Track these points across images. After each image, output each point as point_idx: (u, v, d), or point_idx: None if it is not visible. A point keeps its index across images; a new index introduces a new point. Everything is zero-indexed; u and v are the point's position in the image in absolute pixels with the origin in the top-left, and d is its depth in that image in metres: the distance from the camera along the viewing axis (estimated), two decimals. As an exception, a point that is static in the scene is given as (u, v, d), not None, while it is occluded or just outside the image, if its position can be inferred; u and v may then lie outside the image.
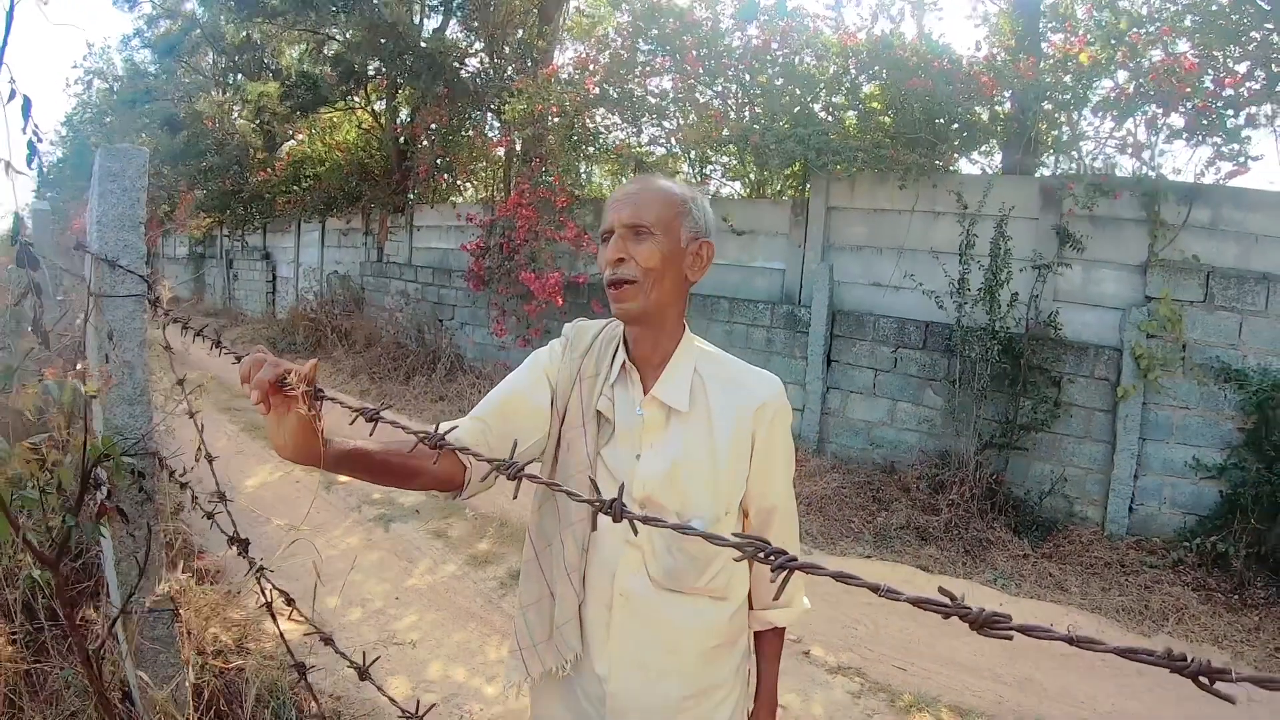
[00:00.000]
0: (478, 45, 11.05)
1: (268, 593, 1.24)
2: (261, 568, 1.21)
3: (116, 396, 1.57)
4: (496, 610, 3.92)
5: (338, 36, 11.68)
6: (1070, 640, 0.43)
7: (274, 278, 15.59)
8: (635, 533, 0.65)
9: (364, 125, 13.64)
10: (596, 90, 7.64)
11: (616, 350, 1.39)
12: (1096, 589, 4.54)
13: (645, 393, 1.35)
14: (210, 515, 1.35)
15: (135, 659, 1.66)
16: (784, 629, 1.51)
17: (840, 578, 0.49)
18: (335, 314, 11.82)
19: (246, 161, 14.86)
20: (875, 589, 0.47)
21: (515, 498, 0.72)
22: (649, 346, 1.36)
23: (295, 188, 13.87)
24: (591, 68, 7.87)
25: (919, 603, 0.46)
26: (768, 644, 1.49)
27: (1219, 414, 4.99)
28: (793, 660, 3.57)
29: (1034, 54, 5.86)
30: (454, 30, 11.51)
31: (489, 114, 10.68)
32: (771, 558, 0.48)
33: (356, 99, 12.81)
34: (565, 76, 8.15)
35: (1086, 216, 5.44)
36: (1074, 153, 5.95)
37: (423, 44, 9.90)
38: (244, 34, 14.58)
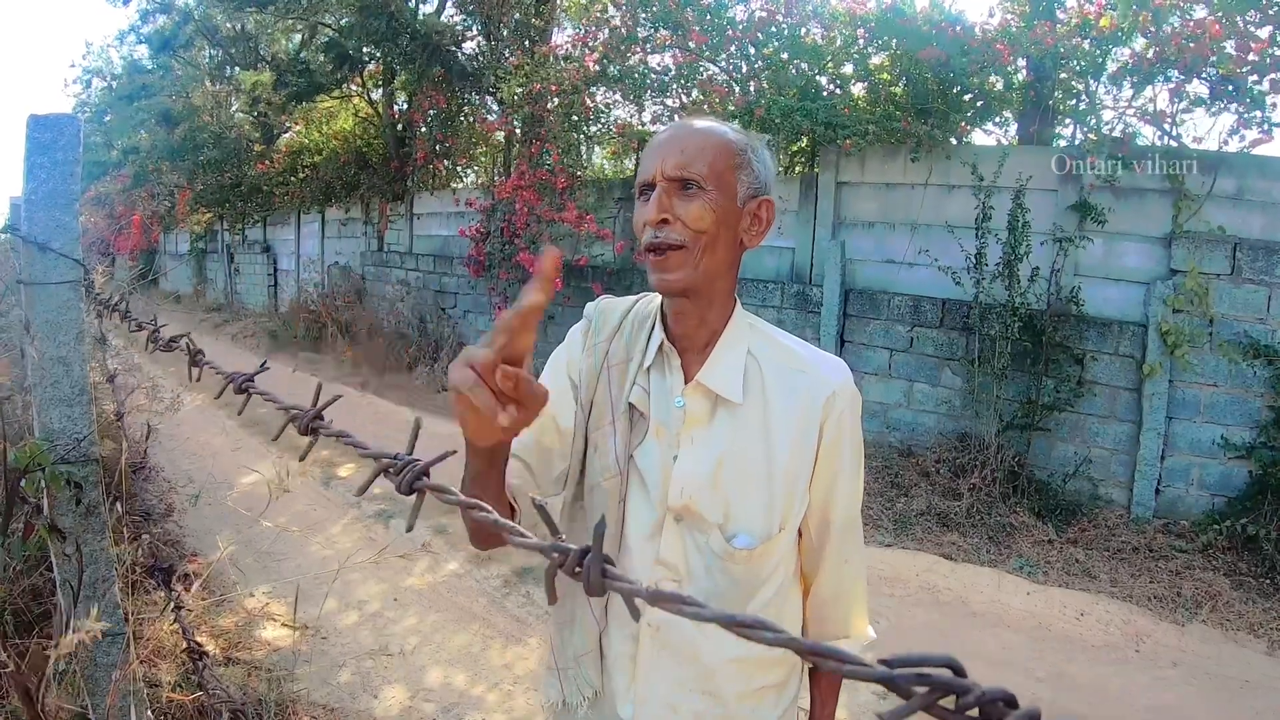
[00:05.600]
0: (474, 28, 10.82)
1: (191, 637, 1.06)
2: (179, 605, 1.03)
3: (51, 397, 1.39)
4: (500, 610, 3.75)
5: (330, 23, 11.47)
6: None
7: (275, 270, 15.41)
8: (636, 619, 0.46)
9: (361, 113, 13.42)
10: (596, 67, 7.43)
11: (652, 329, 1.16)
12: (1126, 575, 4.35)
13: (687, 379, 1.12)
14: (137, 536, 1.18)
15: (87, 688, 1.50)
16: None
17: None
18: (336, 305, 11.66)
19: (244, 154, 14.68)
20: None
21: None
22: (693, 324, 1.12)
23: (293, 179, 13.68)
24: (591, 44, 7.66)
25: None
26: (825, 681, 1.24)
27: (1248, 391, 4.78)
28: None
29: (1049, 20, 5.64)
30: (449, 14, 11.28)
31: (487, 97, 10.47)
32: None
33: (353, 86, 12.60)
34: (564, 54, 7.94)
35: (1107, 188, 5.23)
36: (1092, 121, 5.71)
37: (418, 26, 9.68)
38: (237, 25, 14.37)
